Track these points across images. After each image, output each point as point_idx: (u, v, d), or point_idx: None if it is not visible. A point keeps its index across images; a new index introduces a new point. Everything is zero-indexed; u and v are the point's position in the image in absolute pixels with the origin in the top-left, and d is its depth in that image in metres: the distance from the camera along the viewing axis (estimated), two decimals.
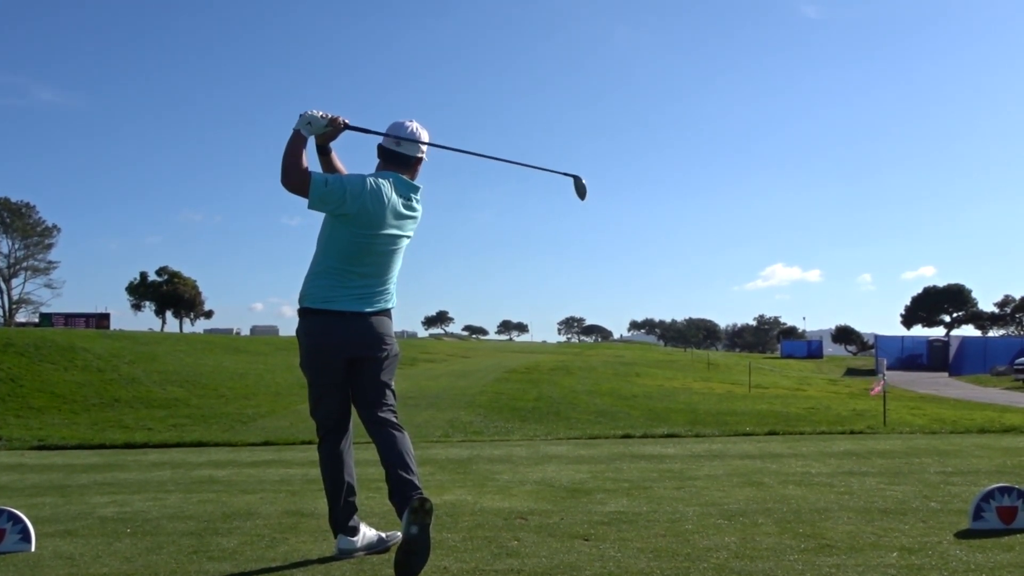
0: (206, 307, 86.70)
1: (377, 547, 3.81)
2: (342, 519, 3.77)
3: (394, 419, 3.85)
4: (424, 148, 3.94)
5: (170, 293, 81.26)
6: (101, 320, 67.14)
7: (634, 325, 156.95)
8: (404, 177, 3.88)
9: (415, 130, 3.89)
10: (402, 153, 3.88)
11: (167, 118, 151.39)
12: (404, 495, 3.57)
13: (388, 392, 3.89)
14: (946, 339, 56.04)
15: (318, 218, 3.83)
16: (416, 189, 3.92)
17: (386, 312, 3.88)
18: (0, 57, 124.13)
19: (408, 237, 3.93)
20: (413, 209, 3.92)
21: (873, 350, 62.05)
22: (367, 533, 3.83)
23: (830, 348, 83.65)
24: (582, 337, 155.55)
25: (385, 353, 3.86)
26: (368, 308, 3.79)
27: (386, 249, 3.82)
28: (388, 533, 3.90)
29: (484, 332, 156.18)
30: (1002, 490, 4.08)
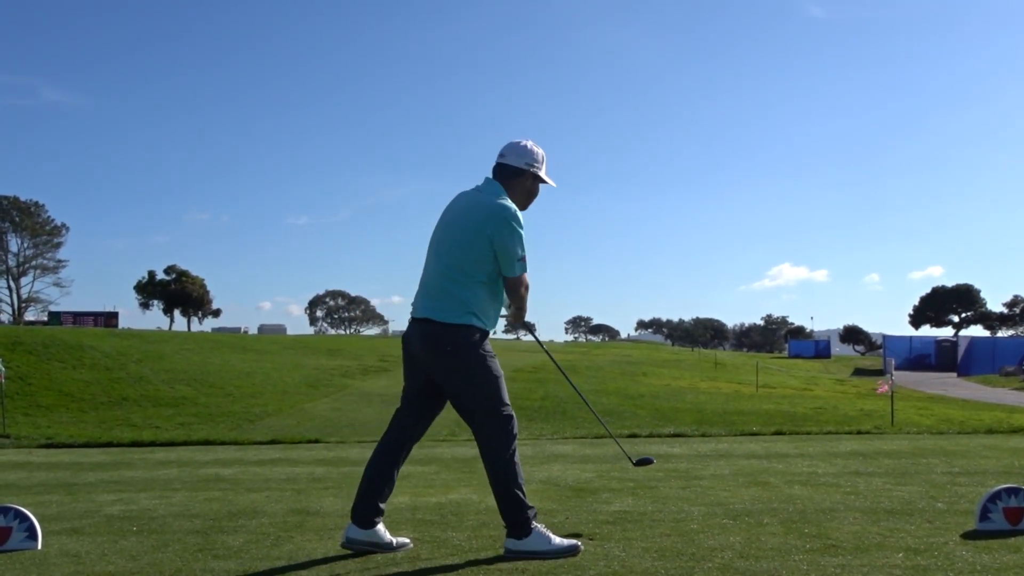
0: (214, 306, 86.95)
1: (383, 549, 3.79)
2: (360, 510, 3.78)
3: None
4: (531, 161, 3.83)
5: (178, 292, 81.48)
6: (110, 319, 67.41)
7: (641, 324, 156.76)
8: (494, 182, 3.83)
9: (529, 146, 3.85)
10: (503, 164, 3.85)
11: (175, 118, 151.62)
12: None
13: (469, 413, 3.77)
14: (954, 339, 55.89)
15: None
16: (493, 185, 3.81)
17: (432, 323, 3.71)
18: (9, 58, 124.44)
19: (475, 232, 3.69)
20: (481, 201, 3.75)
21: (881, 350, 61.86)
22: (380, 532, 3.80)
23: (838, 348, 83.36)
24: (589, 336, 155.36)
25: (437, 367, 3.75)
26: (417, 314, 3.80)
27: (438, 241, 3.82)
28: (399, 540, 3.87)
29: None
30: (1009, 491, 4.05)
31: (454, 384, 3.77)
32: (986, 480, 5.56)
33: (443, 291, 3.73)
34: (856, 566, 3.41)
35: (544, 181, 3.92)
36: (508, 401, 3.78)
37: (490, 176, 3.88)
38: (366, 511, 3.76)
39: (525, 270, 3.80)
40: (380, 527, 3.81)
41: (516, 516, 3.66)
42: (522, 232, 3.74)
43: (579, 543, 3.73)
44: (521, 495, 3.70)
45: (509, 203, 3.75)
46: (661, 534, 4.03)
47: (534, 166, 3.86)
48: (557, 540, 3.68)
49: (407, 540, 3.91)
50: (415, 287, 3.92)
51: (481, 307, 3.75)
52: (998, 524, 4.00)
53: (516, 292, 3.84)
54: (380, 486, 3.80)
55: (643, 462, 4.27)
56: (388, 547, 3.80)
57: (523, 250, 3.75)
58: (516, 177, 3.84)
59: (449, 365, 3.72)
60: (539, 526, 3.70)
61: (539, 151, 3.89)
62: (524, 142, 3.87)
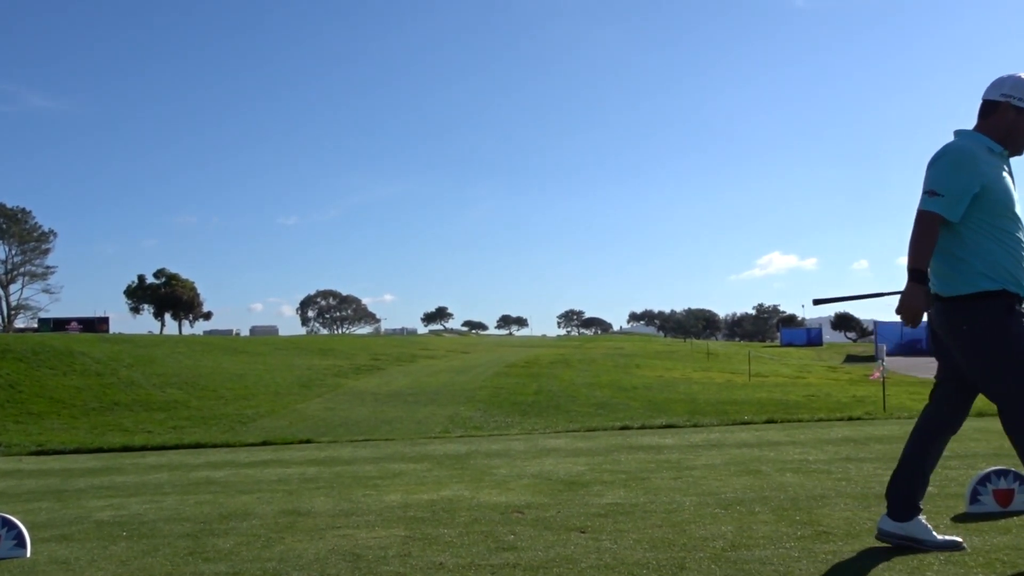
0: (205, 308, 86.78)
1: (927, 546, 3.42)
2: (892, 497, 3.51)
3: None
4: (1008, 92, 3.34)
5: (168, 295, 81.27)
6: (100, 324, 67.03)
7: (633, 317, 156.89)
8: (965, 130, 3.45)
9: (1013, 77, 3.38)
10: (983, 101, 3.43)
11: (160, 121, 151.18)
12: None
13: (994, 397, 3.29)
14: None
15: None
16: (962, 133, 3.43)
17: (942, 299, 3.35)
18: None
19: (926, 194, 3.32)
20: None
21: (873, 336, 62.04)
22: (920, 524, 3.46)
23: (829, 335, 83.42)
24: (582, 330, 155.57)
25: (955, 347, 3.35)
26: (931, 288, 3.41)
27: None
28: (947, 537, 3.48)
29: (484, 327, 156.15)
30: (998, 473, 4.07)
31: (975, 368, 3.32)
32: (976, 463, 5.58)
33: (940, 260, 3.36)
34: (847, 552, 3.41)
35: None
36: None
37: (980, 128, 3.43)
38: (897, 500, 3.48)
39: (930, 207, 3.26)
40: (921, 519, 3.46)
41: None
42: (952, 167, 3.28)
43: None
44: None
45: (954, 142, 3.39)
46: (653, 525, 4.03)
47: (1013, 98, 3.34)
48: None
49: (959, 539, 3.45)
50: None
51: (991, 261, 3.25)
52: (988, 506, 4.02)
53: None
54: (911, 474, 3.47)
55: None
56: (933, 544, 3.41)
57: (937, 184, 3.26)
58: (992, 113, 3.39)
59: (966, 345, 3.29)
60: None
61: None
62: (1015, 74, 3.38)
